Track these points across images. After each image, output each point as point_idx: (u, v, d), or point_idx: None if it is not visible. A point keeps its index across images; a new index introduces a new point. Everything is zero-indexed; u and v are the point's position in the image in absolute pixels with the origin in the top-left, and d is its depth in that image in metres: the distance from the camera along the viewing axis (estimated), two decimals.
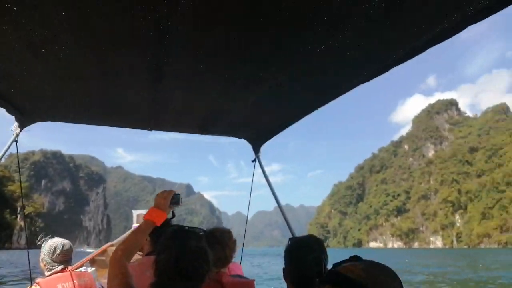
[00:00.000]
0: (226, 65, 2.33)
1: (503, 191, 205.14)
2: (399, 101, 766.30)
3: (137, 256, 1.82)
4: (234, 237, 2.24)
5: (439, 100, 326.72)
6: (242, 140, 4.22)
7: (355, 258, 1.06)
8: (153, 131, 3.88)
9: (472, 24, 1.67)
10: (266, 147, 4.18)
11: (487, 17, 1.67)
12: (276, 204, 4.07)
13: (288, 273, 1.85)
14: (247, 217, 4.90)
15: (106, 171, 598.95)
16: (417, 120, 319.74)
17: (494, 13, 1.67)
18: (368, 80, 2.48)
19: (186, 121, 3.65)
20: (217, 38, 1.96)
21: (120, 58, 2.17)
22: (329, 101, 2.95)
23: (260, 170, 4.24)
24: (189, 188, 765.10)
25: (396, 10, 1.72)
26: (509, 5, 1.59)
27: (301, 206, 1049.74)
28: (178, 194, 1.64)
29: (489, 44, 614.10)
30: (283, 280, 1.84)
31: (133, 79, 2.50)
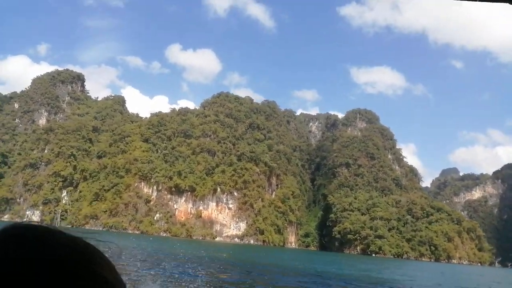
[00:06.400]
0: None
1: (122, 177, 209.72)
2: None
3: None
4: None
5: (68, 70, 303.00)
6: None
7: None
8: None
9: None
10: None
11: None
12: None
13: None
14: None
15: None
16: (39, 81, 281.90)
17: None
18: None
19: None
20: None
21: None
22: None
23: None
24: None
25: None
26: None
27: None
28: None
29: (112, 42, 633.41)
30: None
31: None
